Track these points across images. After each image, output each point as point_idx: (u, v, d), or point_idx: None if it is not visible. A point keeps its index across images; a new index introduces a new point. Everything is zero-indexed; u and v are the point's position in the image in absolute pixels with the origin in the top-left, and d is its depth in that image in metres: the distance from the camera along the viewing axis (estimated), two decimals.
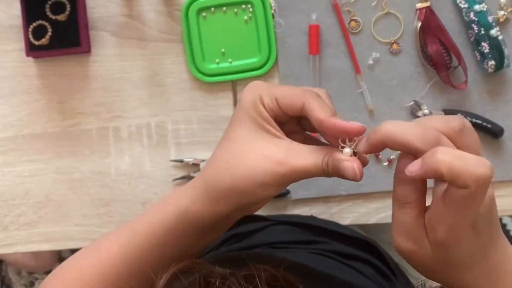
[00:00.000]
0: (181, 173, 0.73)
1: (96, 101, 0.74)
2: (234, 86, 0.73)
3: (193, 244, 0.50)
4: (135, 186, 0.73)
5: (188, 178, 0.72)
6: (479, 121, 0.69)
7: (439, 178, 0.37)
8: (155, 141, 0.73)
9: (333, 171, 0.42)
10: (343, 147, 0.41)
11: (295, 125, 0.46)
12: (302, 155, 0.42)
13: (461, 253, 0.40)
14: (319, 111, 0.41)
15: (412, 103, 0.71)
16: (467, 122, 0.39)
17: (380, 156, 0.71)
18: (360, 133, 0.41)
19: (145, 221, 0.49)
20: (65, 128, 0.74)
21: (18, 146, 0.74)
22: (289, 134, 0.44)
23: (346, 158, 0.41)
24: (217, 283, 0.38)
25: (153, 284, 0.43)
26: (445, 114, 0.69)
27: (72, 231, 0.74)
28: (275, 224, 0.70)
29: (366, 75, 0.71)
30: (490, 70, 0.69)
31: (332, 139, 0.42)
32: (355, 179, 0.41)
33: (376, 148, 0.40)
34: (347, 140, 0.42)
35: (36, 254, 1.16)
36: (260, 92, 0.43)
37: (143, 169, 0.73)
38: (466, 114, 0.69)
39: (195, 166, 0.73)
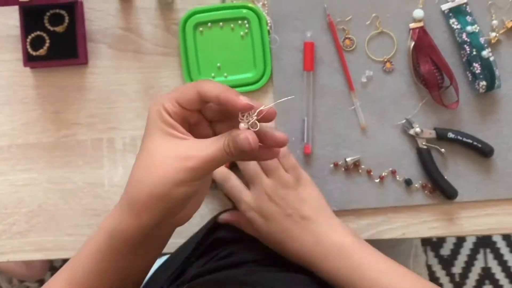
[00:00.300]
0: None
1: (92, 112, 0.74)
2: None
3: (131, 266, 0.52)
4: None
5: None
6: (469, 140, 0.70)
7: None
8: None
9: (235, 150, 0.45)
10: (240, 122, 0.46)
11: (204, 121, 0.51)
12: (206, 145, 0.46)
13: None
14: (213, 89, 0.46)
15: (404, 121, 0.71)
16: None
17: (372, 173, 0.72)
18: (245, 109, 0.45)
19: (84, 250, 0.52)
20: (60, 138, 0.74)
21: (12, 155, 0.74)
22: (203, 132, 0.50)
23: (240, 132, 0.45)
24: None
25: None
26: (437, 132, 0.70)
27: (64, 241, 0.74)
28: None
29: (359, 93, 0.72)
30: (481, 90, 0.70)
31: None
32: (249, 148, 0.44)
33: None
34: (245, 115, 0.46)
35: (27, 263, 1.15)
36: (162, 102, 0.48)
37: None
38: (457, 133, 0.70)
39: None
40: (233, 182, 0.66)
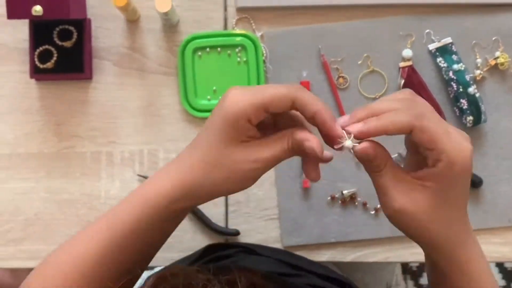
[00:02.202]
0: None
1: (93, 125, 0.76)
2: None
3: (156, 242, 0.54)
4: None
5: None
6: None
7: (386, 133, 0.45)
8: (146, 167, 0.76)
9: (300, 152, 0.47)
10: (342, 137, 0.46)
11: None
12: (270, 146, 0.47)
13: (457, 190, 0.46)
14: (311, 105, 0.46)
15: (396, 155, 0.75)
16: (411, 91, 0.48)
17: (367, 205, 0.75)
18: (339, 137, 0.46)
19: (124, 213, 0.52)
20: (60, 149, 0.76)
21: (12, 164, 0.76)
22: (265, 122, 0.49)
23: (306, 137, 0.46)
24: (200, 286, 0.42)
25: (132, 280, 0.50)
26: None
27: None
28: (247, 251, 0.73)
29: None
30: (468, 125, 0.73)
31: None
32: (315, 154, 0.46)
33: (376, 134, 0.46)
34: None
35: (14, 272, 1.15)
36: (245, 107, 0.46)
37: None
38: None
39: None
40: None
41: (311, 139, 0.46)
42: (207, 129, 0.49)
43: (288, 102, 0.46)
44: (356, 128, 0.45)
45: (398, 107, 0.45)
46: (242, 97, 0.47)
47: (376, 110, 0.46)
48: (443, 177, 0.45)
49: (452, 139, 0.44)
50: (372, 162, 0.47)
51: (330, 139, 0.46)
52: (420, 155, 0.47)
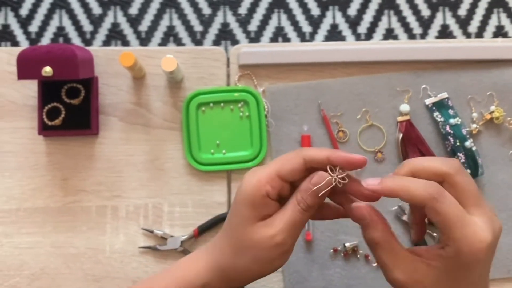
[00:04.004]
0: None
1: (98, 180, 0.78)
2: (229, 174, 0.79)
3: None
4: (128, 264, 0.76)
5: (152, 248, 0.76)
6: None
7: (396, 197, 0.44)
8: (151, 221, 0.77)
9: (311, 203, 0.47)
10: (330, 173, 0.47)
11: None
12: (281, 214, 0.48)
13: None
14: (320, 152, 0.47)
15: (396, 207, 0.76)
16: (459, 163, 0.46)
17: (369, 258, 0.76)
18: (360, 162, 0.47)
19: None
20: (66, 204, 0.77)
21: (19, 218, 0.77)
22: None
23: (314, 181, 0.47)
24: None
25: None
26: (428, 218, 0.75)
27: None
28: None
29: None
30: None
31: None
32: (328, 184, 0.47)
33: (388, 195, 0.45)
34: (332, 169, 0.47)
35: None
36: (261, 183, 0.47)
37: (137, 248, 0.77)
38: None
39: (164, 239, 0.77)
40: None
41: (317, 178, 0.47)
42: (231, 213, 0.50)
43: (299, 160, 0.47)
44: (371, 184, 0.46)
45: (440, 168, 0.45)
46: (254, 173, 0.48)
47: (416, 165, 0.46)
48: (450, 261, 0.44)
49: (467, 228, 0.43)
50: (366, 225, 0.47)
51: (355, 166, 0.46)
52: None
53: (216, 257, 0.51)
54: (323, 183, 0.46)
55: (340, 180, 0.47)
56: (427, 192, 0.43)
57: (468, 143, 0.75)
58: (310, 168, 0.48)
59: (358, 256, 0.76)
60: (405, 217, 0.75)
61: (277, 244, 0.47)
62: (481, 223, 0.43)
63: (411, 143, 0.76)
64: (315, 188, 0.46)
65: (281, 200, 0.50)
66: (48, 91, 0.77)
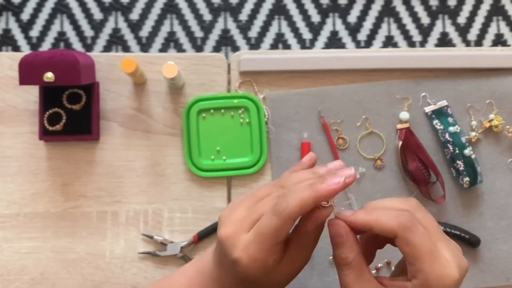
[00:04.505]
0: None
1: (99, 185, 0.78)
2: (229, 181, 0.79)
3: None
4: (127, 270, 0.77)
5: (152, 254, 0.76)
6: (457, 232, 0.75)
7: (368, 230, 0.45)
8: (150, 227, 0.77)
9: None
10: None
11: None
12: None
13: None
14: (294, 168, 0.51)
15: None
16: (417, 201, 0.47)
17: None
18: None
19: None
20: (66, 209, 0.77)
21: (19, 223, 0.77)
22: None
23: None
24: None
25: None
26: None
27: None
28: None
29: (353, 188, 0.77)
30: (465, 185, 0.75)
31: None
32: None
33: (361, 227, 0.47)
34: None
35: None
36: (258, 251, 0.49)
37: (137, 254, 0.77)
38: (445, 225, 0.75)
39: (163, 245, 0.77)
40: None
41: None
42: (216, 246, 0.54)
43: (291, 222, 0.47)
44: (344, 215, 0.47)
45: (400, 207, 0.45)
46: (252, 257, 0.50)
47: (376, 203, 0.47)
48: None
49: (436, 261, 0.42)
50: (341, 243, 0.47)
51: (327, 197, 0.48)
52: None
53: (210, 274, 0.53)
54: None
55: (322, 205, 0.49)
56: (397, 222, 0.43)
57: (467, 151, 0.75)
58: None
59: None
60: None
61: (265, 274, 0.49)
62: (450, 258, 0.43)
63: (410, 151, 0.76)
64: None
65: None
66: (49, 97, 0.77)
